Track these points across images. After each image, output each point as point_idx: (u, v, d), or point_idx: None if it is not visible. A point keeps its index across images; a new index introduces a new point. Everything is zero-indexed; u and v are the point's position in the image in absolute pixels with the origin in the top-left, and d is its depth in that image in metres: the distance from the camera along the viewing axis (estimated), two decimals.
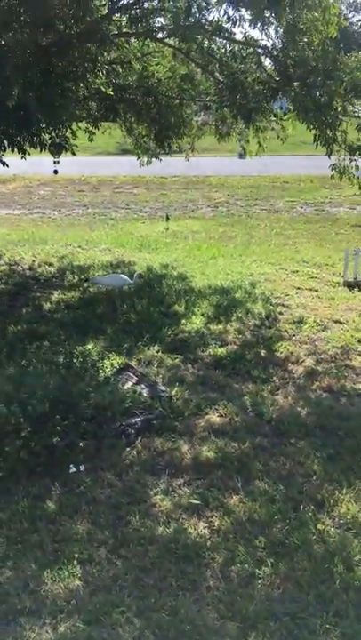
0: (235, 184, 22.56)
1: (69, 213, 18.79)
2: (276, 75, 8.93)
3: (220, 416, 6.63)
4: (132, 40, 10.43)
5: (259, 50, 9.04)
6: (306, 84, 8.27)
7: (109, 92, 10.06)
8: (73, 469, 5.57)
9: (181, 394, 6.96)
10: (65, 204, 20.13)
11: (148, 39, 9.90)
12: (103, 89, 10.01)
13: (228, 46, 9.56)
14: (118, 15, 9.40)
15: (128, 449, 5.92)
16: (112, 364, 7.43)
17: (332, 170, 9.04)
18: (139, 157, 12.91)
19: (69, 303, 9.98)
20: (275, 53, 8.72)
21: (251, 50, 9.10)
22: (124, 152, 29.72)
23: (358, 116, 9.08)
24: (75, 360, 6.44)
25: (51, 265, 12.23)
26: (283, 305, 10.09)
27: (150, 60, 10.50)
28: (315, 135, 8.71)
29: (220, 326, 9.04)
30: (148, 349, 8.12)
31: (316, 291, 10.95)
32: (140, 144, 12.56)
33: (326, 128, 8.63)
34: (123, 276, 10.09)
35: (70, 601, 4.28)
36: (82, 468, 5.61)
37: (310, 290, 10.98)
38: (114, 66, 10.45)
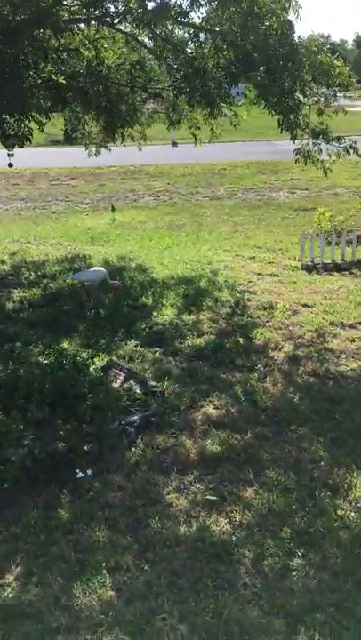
0: (173, 172, 22.40)
1: (7, 208, 18.18)
2: (236, 60, 8.83)
3: (216, 408, 6.53)
4: (82, 26, 10.10)
5: (217, 35, 8.92)
6: (269, 69, 8.23)
7: (61, 79, 9.71)
8: (80, 474, 5.34)
9: (172, 388, 6.82)
10: (0, 199, 19.46)
11: (101, 25, 9.60)
12: (54, 77, 9.65)
13: (182, 31, 9.43)
14: (70, 0, 9.08)
15: (133, 449, 5.74)
16: (94, 362, 7.21)
17: (296, 154, 9.04)
18: (87, 148, 12.59)
19: (32, 301, 9.64)
20: (234, 39, 8.61)
21: (209, 35, 8.97)
22: (54, 143, 29.15)
23: (318, 101, 9.11)
24: (64, 360, 6.18)
25: (3, 262, 11.80)
26: (248, 292, 10.08)
27: (100, 47, 10.18)
28: (278, 120, 8.71)
29: (193, 316, 8.95)
30: (126, 344, 7.93)
31: (277, 276, 11.00)
32: (88, 134, 12.23)
33: (289, 113, 8.63)
34: (101, 268, 9.83)
35: (108, 613, 4.07)
36: (89, 472, 5.38)
37: (271, 275, 11.02)
38: (59, 53, 10.07)
